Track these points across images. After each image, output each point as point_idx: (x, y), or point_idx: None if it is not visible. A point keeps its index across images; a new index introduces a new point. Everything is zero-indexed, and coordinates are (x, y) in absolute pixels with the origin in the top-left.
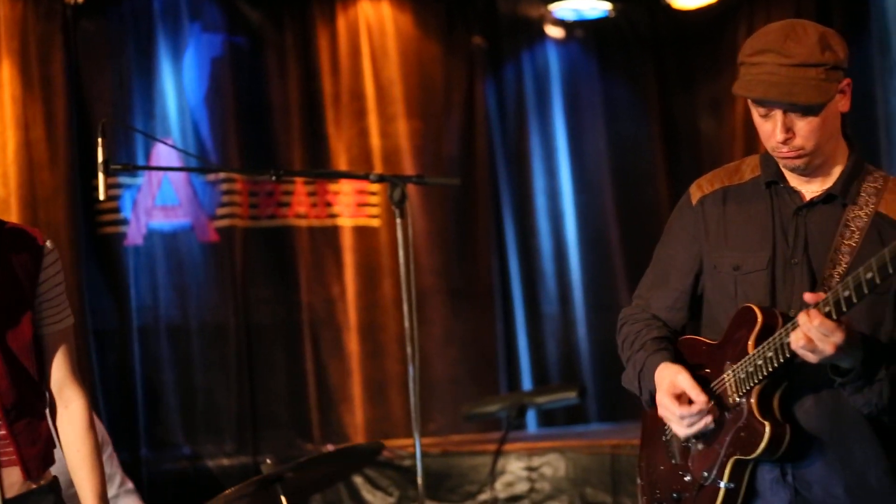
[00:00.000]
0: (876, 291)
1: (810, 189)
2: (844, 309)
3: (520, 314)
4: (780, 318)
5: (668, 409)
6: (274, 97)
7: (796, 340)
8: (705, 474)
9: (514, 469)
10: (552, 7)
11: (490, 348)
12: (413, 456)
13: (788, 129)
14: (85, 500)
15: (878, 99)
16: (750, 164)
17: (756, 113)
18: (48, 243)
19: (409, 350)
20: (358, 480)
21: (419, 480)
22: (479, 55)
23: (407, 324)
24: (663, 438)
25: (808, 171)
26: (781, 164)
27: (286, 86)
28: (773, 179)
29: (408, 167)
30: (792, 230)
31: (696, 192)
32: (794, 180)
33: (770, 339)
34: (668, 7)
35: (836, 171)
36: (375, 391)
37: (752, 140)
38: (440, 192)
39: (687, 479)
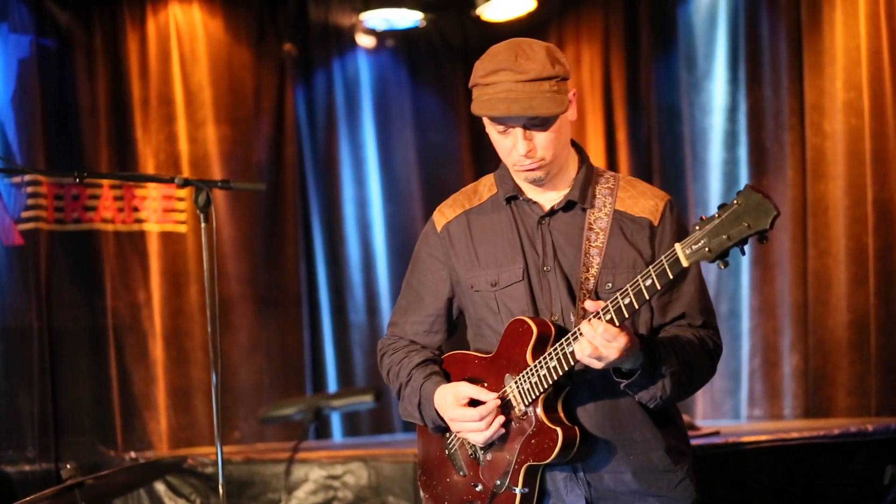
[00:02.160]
0: (655, 297)
1: (548, 198)
2: (626, 315)
3: (327, 323)
4: (552, 326)
5: (463, 417)
6: (82, 100)
7: (582, 350)
8: (498, 482)
9: (317, 477)
10: (363, 16)
11: (296, 356)
12: (215, 463)
13: (529, 142)
14: None
15: (684, 115)
16: (486, 183)
17: (494, 130)
18: None
19: (211, 357)
20: (160, 488)
21: (220, 489)
22: (289, 62)
23: (210, 330)
24: (446, 453)
25: (545, 181)
26: (522, 177)
27: (94, 88)
28: (512, 194)
29: (216, 173)
30: (539, 239)
31: (439, 219)
32: (531, 192)
33: (551, 349)
34: (479, 19)
35: (570, 178)
36: (180, 398)
37: None
38: (248, 200)
39: (478, 488)
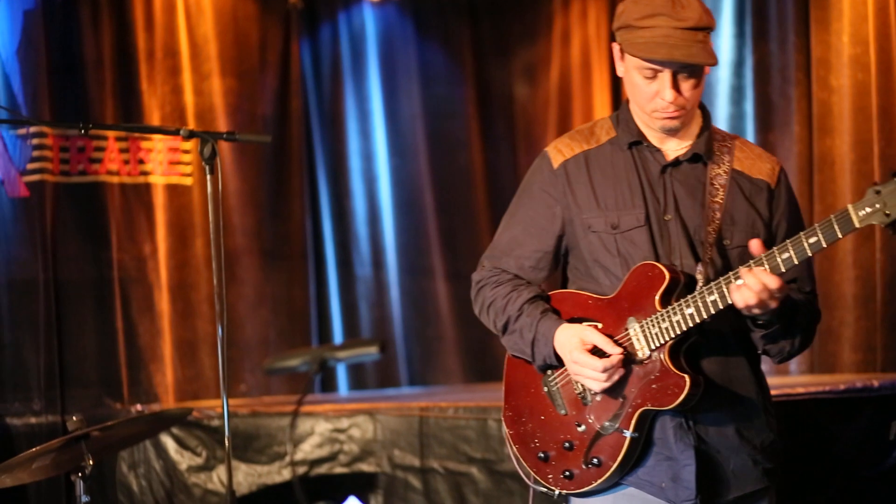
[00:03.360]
0: (816, 253)
1: (670, 147)
2: (783, 269)
3: (332, 276)
4: (682, 276)
5: (586, 364)
6: (87, 51)
7: (744, 297)
8: (606, 424)
9: (323, 430)
10: None
11: (302, 310)
12: (221, 416)
13: (676, 90)
14: None
15: None
16: (603, 126)
17: (638, 74)
18: None
19: (217, 310)
20: (166, 440)
21: (226, 441)
22: (294, 15)
23: (216, 283)
24: (544, 390)
25: (676, 130)
26: (658, 124)
27: (100, 40)
28: (636, 140)
29: (221, 125)
30: (661, 188)
31: (556, 156)
32: (655, 140)
33: (690, 297)
34: None
35: (693, 131)
36: (186, 351)
37: (565, 106)
38: (253, 153)
39: (581, 428)
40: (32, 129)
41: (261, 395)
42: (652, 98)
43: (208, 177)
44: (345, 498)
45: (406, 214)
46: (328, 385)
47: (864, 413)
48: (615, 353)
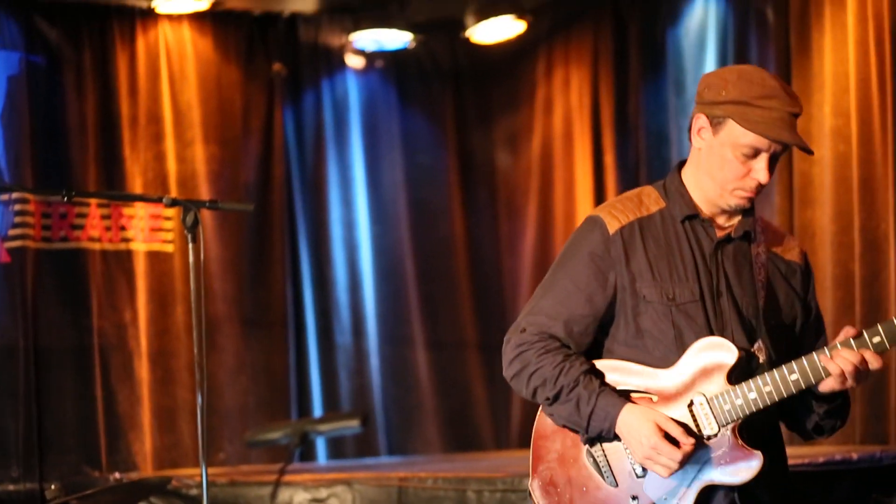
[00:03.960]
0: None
1: (719, 223)
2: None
3: (312, 344)
4: (749, 353)
5: (665, 454)
6: (70, 117)
7: (842, 380)
8: (665, 498)
9: (301, 500)
10: (353, 37)
11: (282, 378)
12: (200, 485)
13: (768, 171)
14: None
15: (672, 139)
16: (650, 196)
17: (737, 151)
18: None
19: (197, 377)
20: None
21: None
22: (278, 82)
23: (196, 351)
24: (588, 460)
25: (743, 209)
26: (734, 202)
27: (83, 106)
28: (692, 213)
29: (204, 193)
30: (714, 263)
31: (612, 222)
32: (707, 213)
33: (767, 375)
34: (468, 41)
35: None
36: (165, 419)
37: (548, 174)
38: (236, 220)
39: (635, 502)
40: (15, 195)
41: (239, 464)
42: (743, 176)
43: (190, 245)
44: None
45: (387, 282)
46: (307, 454)
47: (844, 485)
48: (689, 443)
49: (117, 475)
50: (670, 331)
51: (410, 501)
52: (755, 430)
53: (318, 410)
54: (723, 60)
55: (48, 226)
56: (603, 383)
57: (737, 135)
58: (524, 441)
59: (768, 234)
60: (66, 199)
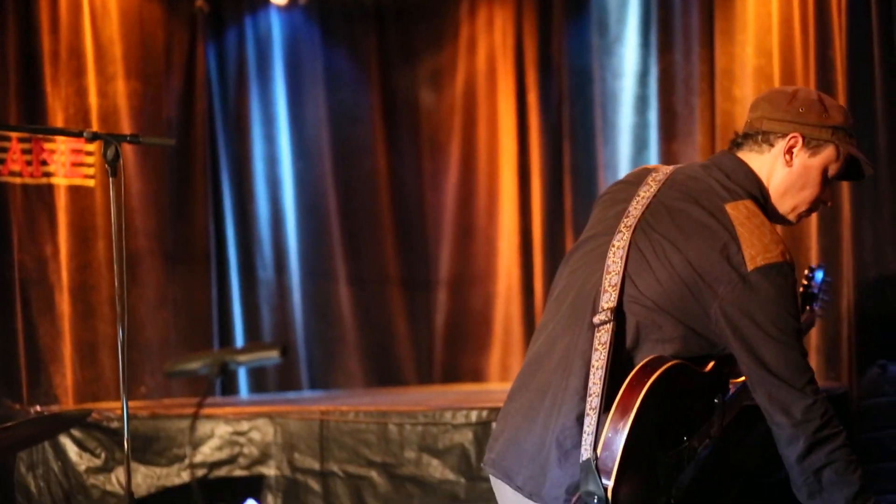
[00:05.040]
0: None
1: None
2: None
3: (235, 279)
4: None
5: None
6: None
7: None
8: None
9: (223, 433)
10: None
11: (204, 313)
12: (121, 418)
13: None
14: None
15: (595, 78)
16: (766, 222)
17: (823, 177)
18: None
19: (119, 311)
20: (65, 441)
21: (126, 443)
22: (200, 18)
23: (117, 285)
24: None
25: None
26: (795, 221)
27: (4, 41)
28: None
29: (126, 128)
30: None
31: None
32: None
33: None
34: None
35: None
36: (86, 353)
37: (471, 112)
38: (157, 155)
39: None
40: None
41: (161, 398)
42: (814, 200)
43: (111, 179)
44: (243, 501)
45: (309, 218)
46: (229, 388)
47: (764, 421)
48: None
49: (38, 408)
50: None
51: (332, 435)
52: None
53: (239, 345)
54: (646, 0)
55: None
56: None
57: (824, 159)
58: (446, 376)
59: None
60: None
